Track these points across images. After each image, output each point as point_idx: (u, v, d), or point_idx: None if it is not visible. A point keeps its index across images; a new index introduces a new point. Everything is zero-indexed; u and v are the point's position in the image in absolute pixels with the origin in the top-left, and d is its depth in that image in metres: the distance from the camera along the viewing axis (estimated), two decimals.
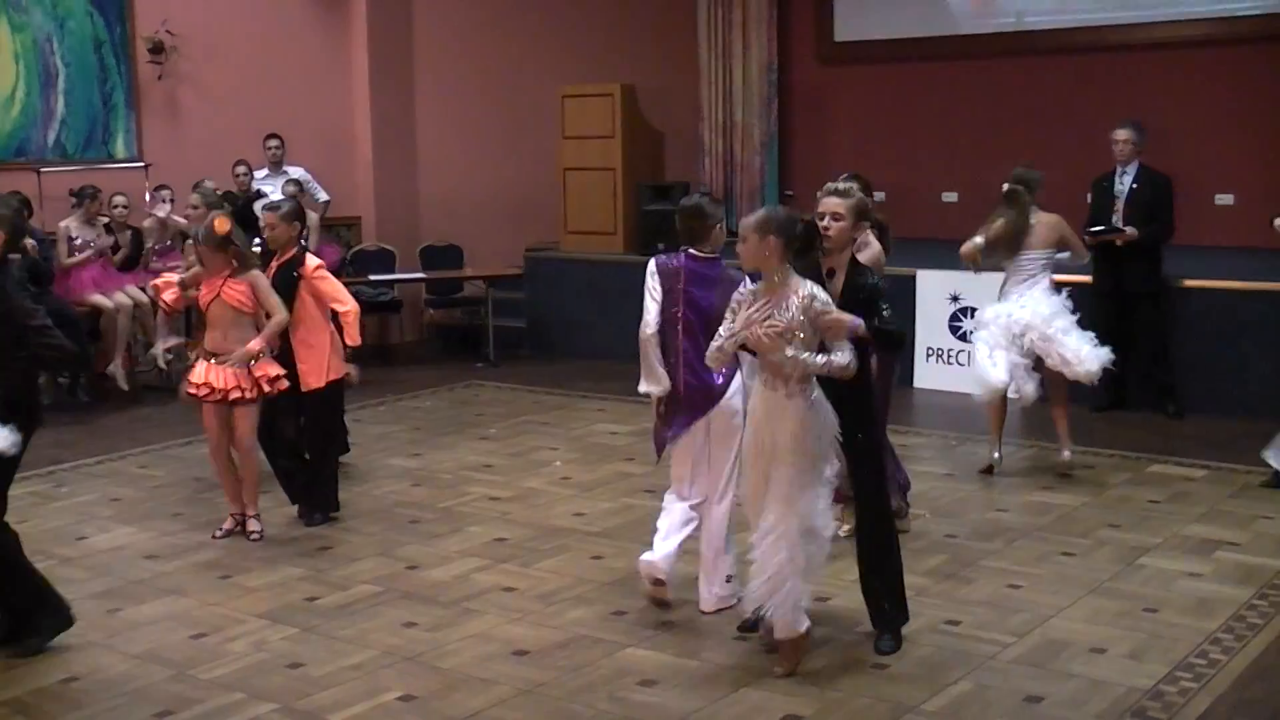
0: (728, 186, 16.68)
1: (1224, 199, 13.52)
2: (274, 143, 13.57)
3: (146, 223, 12.71)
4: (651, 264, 6.68)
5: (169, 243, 12.77)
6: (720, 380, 6.54)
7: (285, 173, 13.37)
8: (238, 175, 13.05)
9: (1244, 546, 7.68)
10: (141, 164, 13.23)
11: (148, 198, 12.77)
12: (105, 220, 12.17)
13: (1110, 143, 10.92)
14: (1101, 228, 10.67)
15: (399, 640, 6.43)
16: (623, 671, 6.06)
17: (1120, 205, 10.80)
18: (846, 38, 16.16)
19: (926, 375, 11.98)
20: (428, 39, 14.98)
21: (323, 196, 13.78)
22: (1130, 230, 10.63)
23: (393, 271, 14.35)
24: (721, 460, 6.68)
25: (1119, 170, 10.91)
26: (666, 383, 6.63)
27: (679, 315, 6.56)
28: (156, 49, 13.26)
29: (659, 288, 6.59)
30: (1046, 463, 9.54)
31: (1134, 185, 10.80)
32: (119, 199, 12.29)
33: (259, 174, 13.31)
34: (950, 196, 14.93)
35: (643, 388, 6.72)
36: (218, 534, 8.03)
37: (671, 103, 15.95)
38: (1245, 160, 13.33)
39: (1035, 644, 6.31)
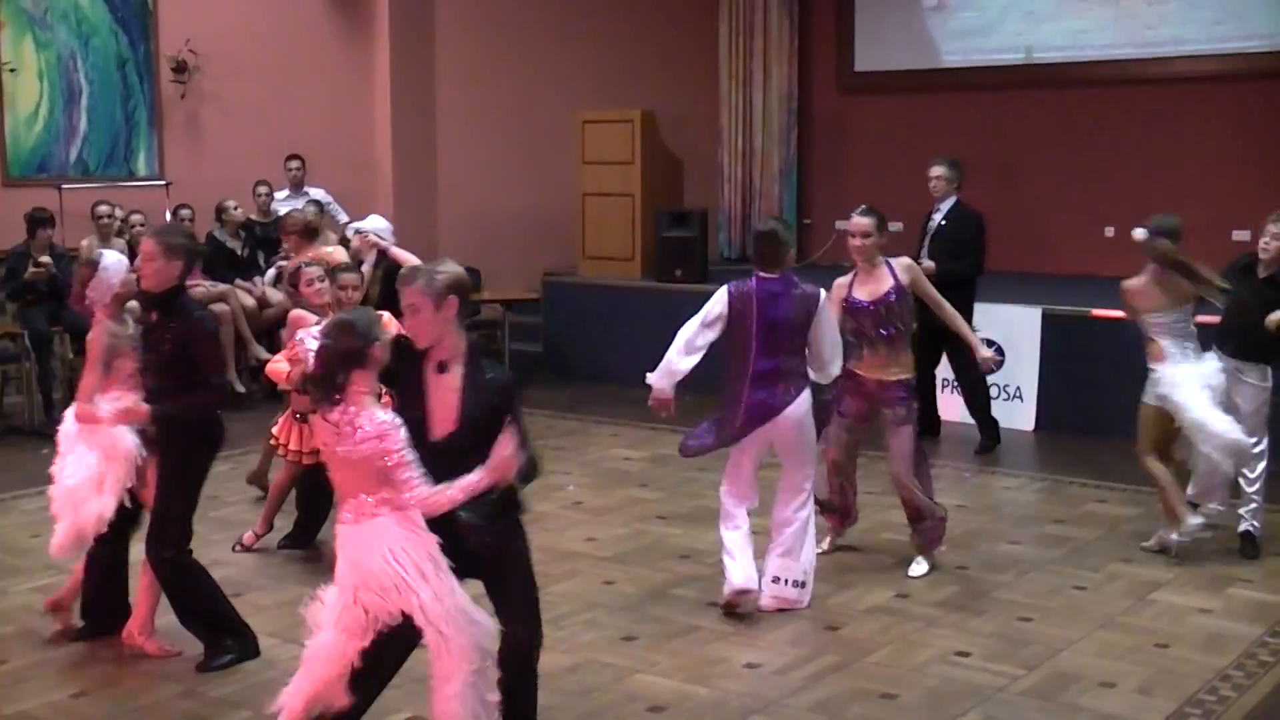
0: (746, 214, 16.71)
1: (1241, 235, 13.49)
2: (295, 163, 13.63)
3: None
4: (723, 291, 7.13)
5: None
6: (780, 396, 7.02)
7: (306, 193, 13.42)
8: (259, 196, 13.11)
9: (1256, 583, 7.67)
10: (162, 182, 13.30)
11: (167, 216, 12.83)
12: (126, 239, 12.21)
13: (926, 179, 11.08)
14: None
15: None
16: (632, 697, 6.07)
17: (928, 240, 10.91)
18: (866, 68, 16.20)
19: (944, 407, 11.96)
20: (450, 62, 15.04)
21: (343, 218, 13.82)
22: (928, 264, 10.64)
23: None
24: (793, 470, 7.22)
25: (935, 206, 11.03)
26: (669, 388, 7.28)
27: (753, 331, 7.00)
28: (179, 68, 13.34)
29: (725, 311, 7.06)
30: (1059, 496, 9.54)
31: (943, 222, 10.90)
32: (135, 217, 12.32)
33: (280, 195, 13.37)
34: None
35: (653, 377, 7.31)
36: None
37: (691, 129, 15.99)
38: (1262, 195, 13.29)
39: (1045, 677, 6.30)
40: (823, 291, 7.16)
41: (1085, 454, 10.39)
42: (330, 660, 4.95)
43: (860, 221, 7.59)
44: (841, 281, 7.73)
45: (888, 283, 7.59)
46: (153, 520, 6.32)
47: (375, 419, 4.77)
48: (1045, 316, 11.47)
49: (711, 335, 7.14)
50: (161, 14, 13.36)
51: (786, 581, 7.17)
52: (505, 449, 4.78)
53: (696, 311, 7.17)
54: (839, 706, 5.97)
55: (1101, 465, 9.99)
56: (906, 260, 7.84)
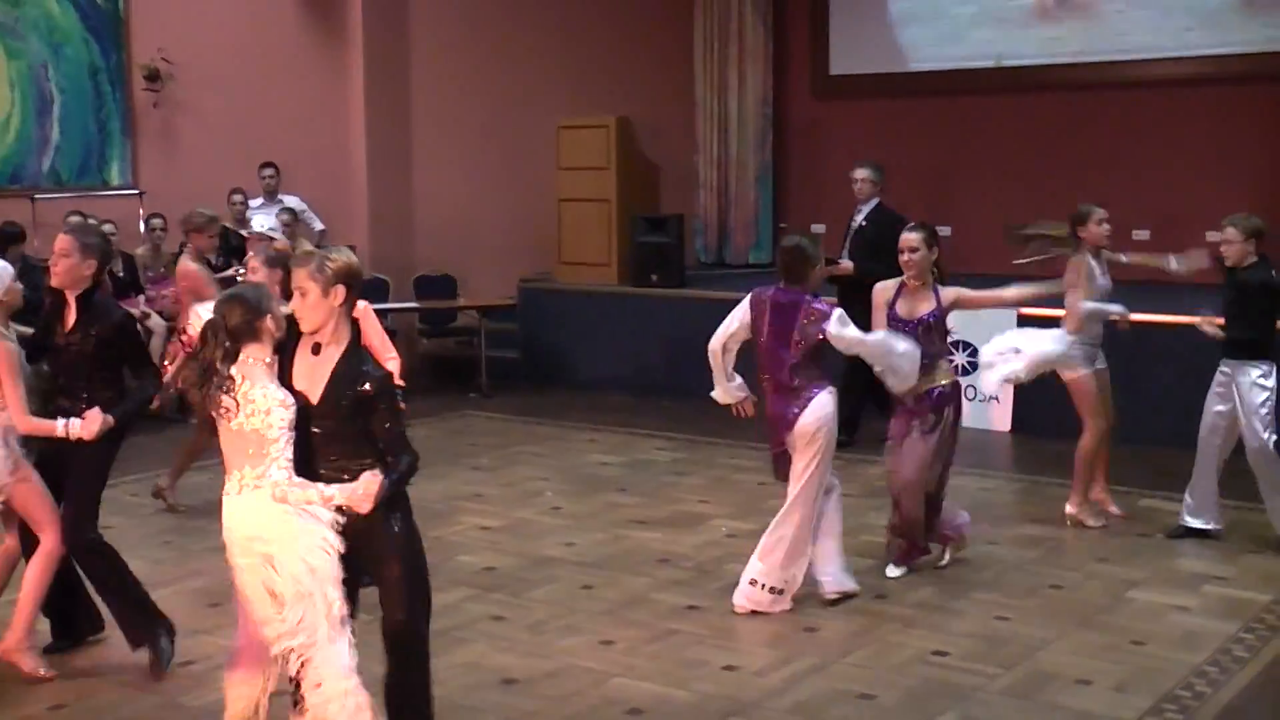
0: (722, 219, 16.72)
1: (1215, 235, 13.51)
2: (269, 171, 13.60)
3: (140, 250, 12.74)
4: (748, 296, 7.23)
5: (162, 270, 12.80)
6: (796, 410, 7.04)
7: (280, 201, 13.40)
8: (233, 204, 13.08)
9: (1231, 580, 7.71)
10: (136, 192, 13.26)
11: (141, 226, 12.81)
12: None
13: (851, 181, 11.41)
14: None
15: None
16: (610, 701, 6.07)
17: (848, 240, 11.15)
18: (841, 72, 16.24)
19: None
20: (424, 69, 15.03)
21: (318, 226, 13.82)
22: (846, 263, 10.79)
23: (386, 301, 14.37)
24: (796, 472, 7.15)
25: (857, 207, 11.31)
26: (736, 395, 7.37)
27: (765, 340, 7.11)
28: (152, 76, 13.31)
29: (746, 315, 7.17)
30: (1036, 496, 9.57)
31: (863, 223, 11.17)
32: (107, 226, 12.27)
33: (254, 203, 13.34)
34: (944, 230, 14.95)
35: (714, 394, 7.42)
36: None
37: (667, 135, 16.00)
38: (1236, 197, 13.36)
39: (1023, 676, 6.33)
40: (836, 312, 7.06)
41: (1062, 455, 10.37)
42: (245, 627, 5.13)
43: (908, 237, 7.63)
44: (886, 286, 7.72)
45: (929, 305, 7.57)
46: (74, 507, 6.31)
47: (268, 393, 4.85)
48: (1019, 318, 11.48)
49: (740, 337, 7.26)
50: (134, 22, 13.34)
51: (763, 586, 7.17)
52: (370, 484, 4.80)
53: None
54: (817, 708, 5.98)
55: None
56: (954, 290, 7.69)
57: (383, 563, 5.03)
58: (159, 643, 6.41)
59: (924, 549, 7.88)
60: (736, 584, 7.33)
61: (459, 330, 14.94)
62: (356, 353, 5.01)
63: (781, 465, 7.25)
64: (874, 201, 11.23)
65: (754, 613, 7.15)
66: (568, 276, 14.80)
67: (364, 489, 4.78)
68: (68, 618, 6.69)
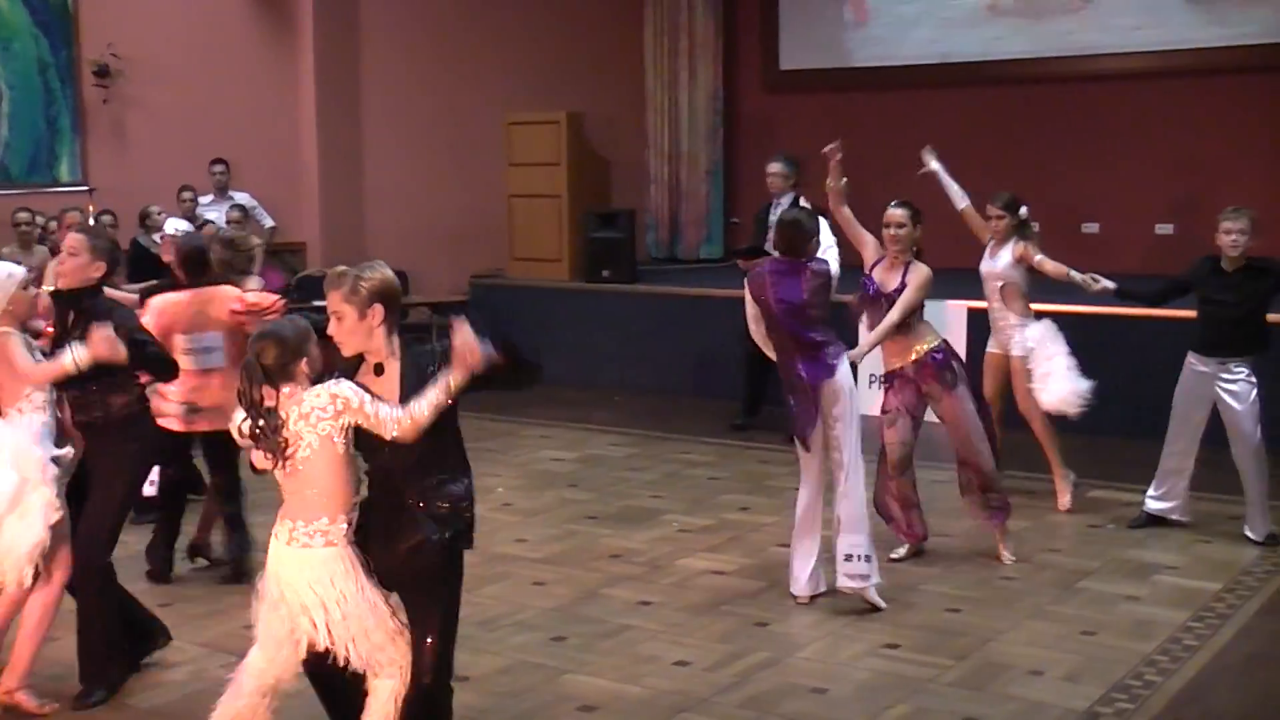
0: (674, 214, 16.72)
1: (1164, 229, 13.67)
2: (219, 168, 13.52)
3: None
4: (746, 280, 7.29)
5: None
6: (825, 370, 7.02)
7: (231, 198, 13.32)
8: (183, 201, 13.00)
9: (1182, 570, 7.77)
10: (86, 188, 13.16)
11: (90, 222, 12.68)
12: (48, 246, 12.06)
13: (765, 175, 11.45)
14: (747, 248, 10.89)
15: None
16: (563, 698, 6.07)
17: (770, 235, 11.11)
18: (792, 66, 16.28)
19: (870, 401, 12.01)
20: (375, 65, 14.97)
21: (268, 222, 13.75)
22: (773, 254, 10.91)
23: None
24: (840, 440, 7.14)
25: (774, 202, 11.33)
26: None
27: (775, 316, 7.04)
28: (102, 72, 13.21)
29: (750, 299, 7.23)
30: None
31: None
32: (54, 225, 12.17)
33: (204, 199, 13.25)
34: None
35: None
36: None
37: (618, 130, 15.99)
38: (1183, 191, 13.48)
39: (974, 667, 6.36)
40: (833, 267, 7.20)
41: (1013, 447, 10.41)
42: (252, 677, 4.90)
43: (894, 213, 7.73)
44: (873, 260, 7.79)
45: (898, 281, 7.64)
46: (91, 526, 6.03)
47: (316, 394, 4.64)
48: (971, 312, 11.53)
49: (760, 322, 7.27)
50: (83, 18, 13.23)
51: (860, 557, 7.08)
52: (459, 337, 4.60)
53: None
54: (769, 702, 6.00)
55: (1029, 458, 10.03)
56: (917, 277, 7.67)
57: (424, 624, 4.87)
58: (95, 690, 6.09)
59: (1006, 500, 7.95)
60: (688, 579, 7.35)
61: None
62: (411, 353, 4.82)
63: (803, 422, 7.13)
64: (790, 195, 11.23)
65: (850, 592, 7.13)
66: (519, 272, 14.79)
67: (457, 347, 4.61)
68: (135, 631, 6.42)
